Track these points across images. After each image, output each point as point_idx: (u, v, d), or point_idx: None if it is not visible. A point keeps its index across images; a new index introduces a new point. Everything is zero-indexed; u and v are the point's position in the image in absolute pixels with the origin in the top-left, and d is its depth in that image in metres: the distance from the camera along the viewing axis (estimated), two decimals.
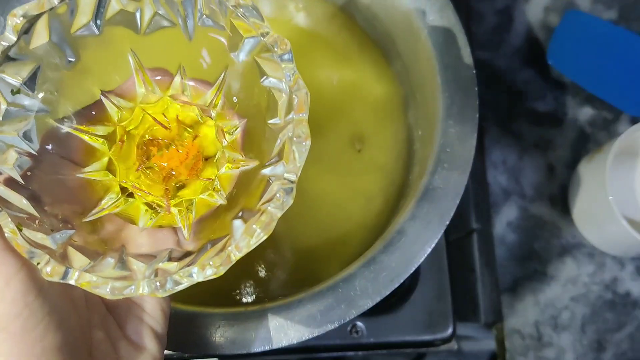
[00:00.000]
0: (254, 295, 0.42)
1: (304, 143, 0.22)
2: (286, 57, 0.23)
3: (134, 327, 0.26)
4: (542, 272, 0.48)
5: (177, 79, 0.26)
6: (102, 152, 0.26)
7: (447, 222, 0.36)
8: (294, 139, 0.22)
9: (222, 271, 0.21)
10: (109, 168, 0.26)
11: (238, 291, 0.42)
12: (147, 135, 0.26)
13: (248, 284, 0.42)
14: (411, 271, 0.35)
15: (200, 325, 0.34)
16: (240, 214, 0.23)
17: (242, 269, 0.43)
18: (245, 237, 0.21)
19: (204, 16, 0.24)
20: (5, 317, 0.21)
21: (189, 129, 0.27)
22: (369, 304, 0.34)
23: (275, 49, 0.23)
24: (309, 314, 0.34)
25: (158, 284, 0.21)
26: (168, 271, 0.22)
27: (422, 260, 0.35)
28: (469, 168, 0.37)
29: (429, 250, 0.35)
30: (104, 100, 0.26)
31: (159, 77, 0.26)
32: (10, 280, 0.21)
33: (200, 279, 0.21)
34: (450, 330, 0.42)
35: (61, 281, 0.21)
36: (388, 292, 0.35)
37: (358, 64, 0.47)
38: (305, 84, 0.23)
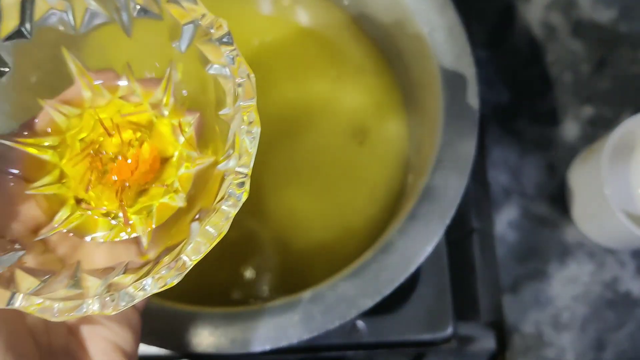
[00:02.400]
0: (254, 295, 0.42)
1: (253, 130, 0.21)
2: (225, 39, 0.21)
3: (101, 348, 0.24)
4: (543, 271, 0.48)
5: (125, 78, 0.25)
6: (53, 164, 0.24)
7: (448, 222, 0.36)
8: (243, 127, 0.21)
9: (176, 280, 0.20)
10: (63, 180, 0.24)
11: (238, 291, 0.42)
12: (95, 145, 0.24)
13: (248, 283, 0.42)
14: (411, 271, 0.35)
15: (200, 325, 0.34)
16: (197, 215, 0.22)
17: (243, 268, 0.43)
18: (199, 241, 0.20)
19: (138, 6, 0.22)
20: None
21: (143, 130, 0.25)
22: (369, 303, 0.34)
23: (212, 32, 0.21)
24: (309, 313, 0.34)
25: (108, 299, 0.20)
26: (122, 285, 0.20)
27: (422, 260, 0.35)
28: (470, 167, 0.37)
29: (430, 250, 0.35)
30: (49, 109, 0.24)
31: (100, 82, 0.25)
32: None
33: (155, 291, 0.20)
34: (450, 330, 0.42)
35: (6, 307, 0.19)
36: (388, 292, 0.35)
37: (358, 62, 0.47)
38: (249, 67, 0.21)
